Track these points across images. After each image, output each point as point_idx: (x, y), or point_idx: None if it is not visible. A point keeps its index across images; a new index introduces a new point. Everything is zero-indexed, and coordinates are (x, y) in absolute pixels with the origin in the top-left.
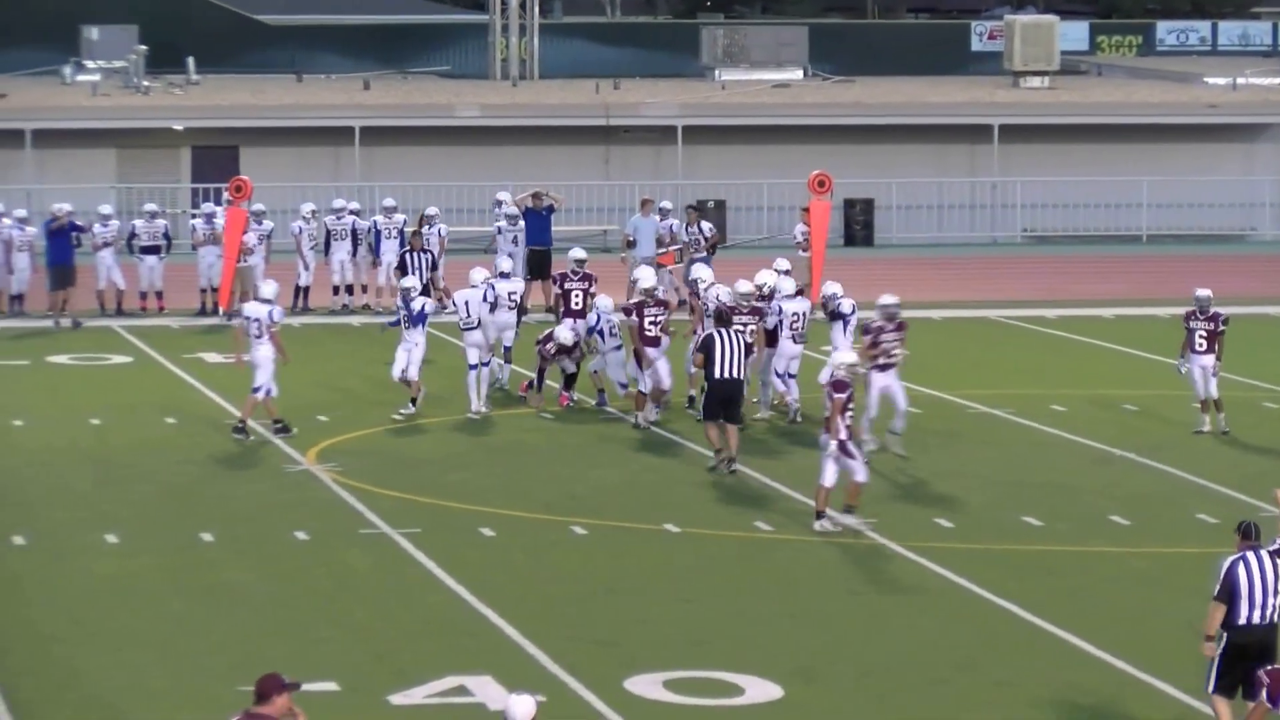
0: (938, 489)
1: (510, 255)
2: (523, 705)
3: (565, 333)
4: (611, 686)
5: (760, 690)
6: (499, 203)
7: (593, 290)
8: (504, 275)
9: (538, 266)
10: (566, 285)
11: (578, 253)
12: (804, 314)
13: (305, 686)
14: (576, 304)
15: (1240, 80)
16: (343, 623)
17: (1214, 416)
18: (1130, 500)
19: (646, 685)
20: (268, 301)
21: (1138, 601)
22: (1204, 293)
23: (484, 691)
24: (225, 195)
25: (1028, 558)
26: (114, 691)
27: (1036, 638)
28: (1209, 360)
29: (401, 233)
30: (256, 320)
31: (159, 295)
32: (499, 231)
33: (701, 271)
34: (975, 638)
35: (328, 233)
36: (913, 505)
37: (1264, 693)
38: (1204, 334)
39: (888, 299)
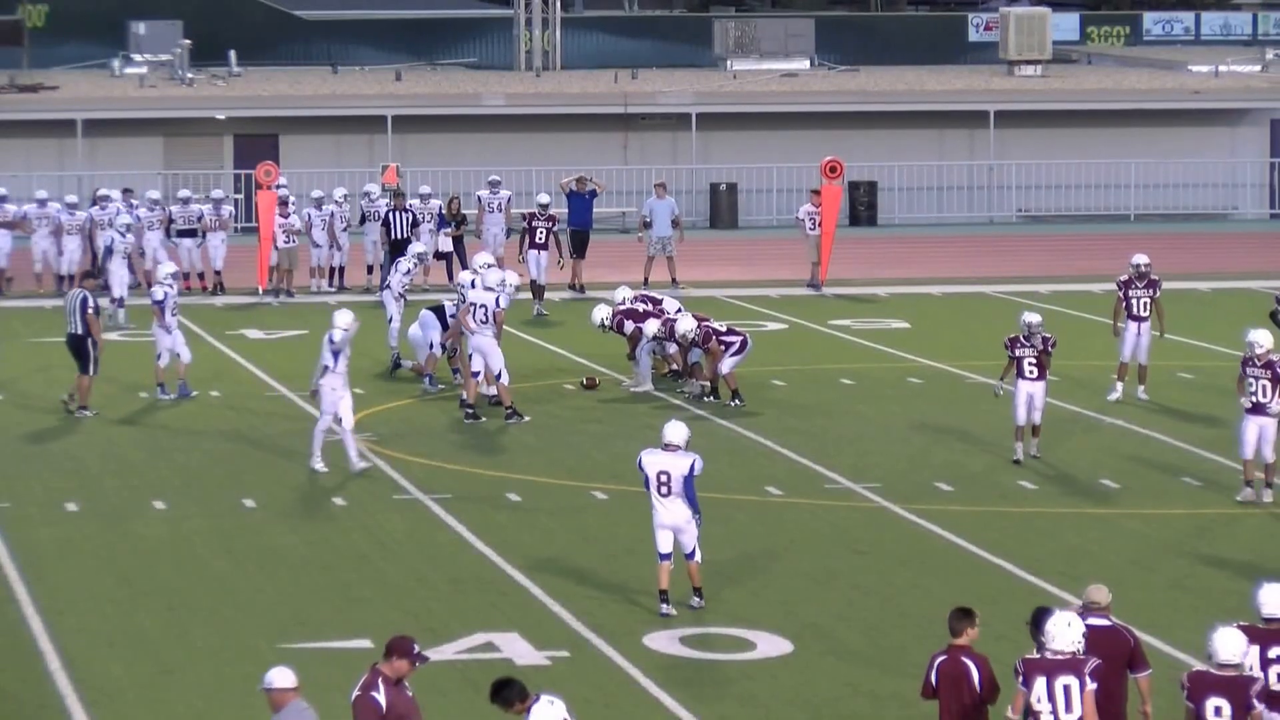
0: (938, 455)
1: (494, 235)
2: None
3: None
4: (631, 642)
5: (772, 645)
6: (495, 184)
7: (554, 229)
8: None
9: (579, 246)
10: (533, 224)
11: (542, 197)
12: (489, 305)
13: (342, 644)
14: (540, 240)
15: (1222, 68)
16: (378, 583)
17: (1133, 383)
18: (1119, 464)
19: (664, 641)
20: (491, 290)
21: (1128, 560)
22: (1142, 259)
23: (511, 648)
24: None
25: (1023, 519)
26: (163, 648)
27: (1034, 595)
28: (1145, 327)
29: (440, 217)
30: (483, 306)
31: (200, 276)
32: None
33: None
34: (975, 594)
35: (362, 215)
36: (914, 470)
37: None
38: (1145, 300)
39: (1030, 317)
